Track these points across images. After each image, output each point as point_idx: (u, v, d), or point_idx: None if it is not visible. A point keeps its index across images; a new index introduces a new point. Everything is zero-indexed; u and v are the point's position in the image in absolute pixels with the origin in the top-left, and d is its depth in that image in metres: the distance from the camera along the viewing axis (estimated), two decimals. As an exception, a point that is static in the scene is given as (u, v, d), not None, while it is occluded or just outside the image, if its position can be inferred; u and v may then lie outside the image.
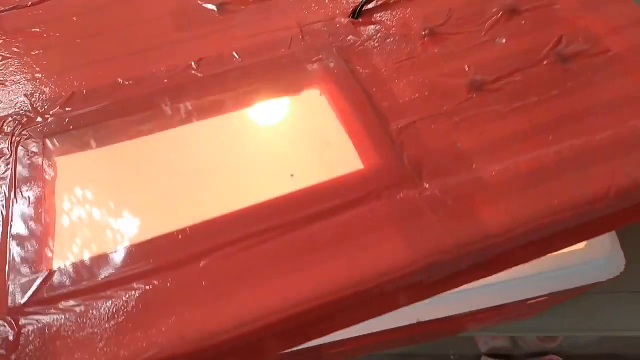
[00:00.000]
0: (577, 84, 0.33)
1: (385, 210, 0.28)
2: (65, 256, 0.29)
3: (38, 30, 0.42)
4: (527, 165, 0.29)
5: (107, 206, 0.33)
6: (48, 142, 0.34)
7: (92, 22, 0.42)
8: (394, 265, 0.26)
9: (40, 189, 0.32)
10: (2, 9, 0.44)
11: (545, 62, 0.34)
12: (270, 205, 0.29)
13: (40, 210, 0.31)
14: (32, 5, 0.44)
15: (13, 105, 0.36)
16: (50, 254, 0.29)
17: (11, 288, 0.27)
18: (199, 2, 0.42)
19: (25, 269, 0.28)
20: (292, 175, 0.30)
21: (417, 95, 0.33)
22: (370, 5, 0.39)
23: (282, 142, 0.33)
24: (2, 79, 0.38)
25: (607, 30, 0.35)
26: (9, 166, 0.33)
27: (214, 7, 0.41)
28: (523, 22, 0.37)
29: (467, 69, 0.34)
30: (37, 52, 0.40)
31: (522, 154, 0.30)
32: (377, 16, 0.38)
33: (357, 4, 0.39)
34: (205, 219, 0.29)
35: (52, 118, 0.35)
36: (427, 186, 0.29)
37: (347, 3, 0.40)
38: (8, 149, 0.34)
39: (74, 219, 0.32)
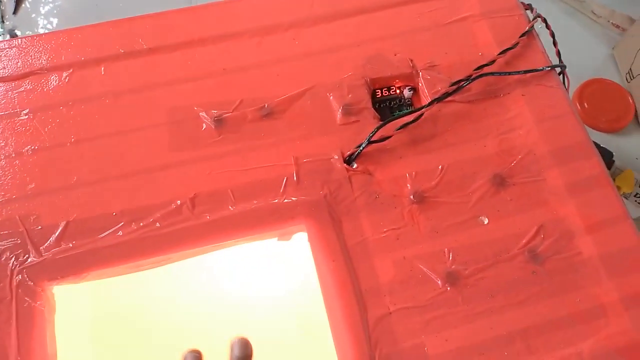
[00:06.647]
0: (541, 291, 0.36)
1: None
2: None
3: (25, 118, 0.41)
4: (479, 382, 0.33)
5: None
6: (46, 283, 0.36)
7: (82, 118, 0.41)
8: None
9: (41, 335, 0.35)
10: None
11: (517, 259, 0.36)
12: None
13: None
14: (13, 80, 0.42)
15: (8, 229, 0.37)
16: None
17: None
18: (195, 109, 0.41)
19: None
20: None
21: (396, 277, 0.36)
22: (365, 149, 0.39)
23: (268, 323, 0.36)
24: (-7, 190, 0.38)
25: (585, 226, 0.37)
26: (10, 311, 0.35)
27: (211, 122, 0.40)
28: (509, 199, 0.38)
29: (446, 254, 0.37)
30: (27, 150, 0.40)
31: (478, 369, 0.34)
32: (370, 166, 0.39)
33: (353, 145, 0.40)
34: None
35: (49, 255, 0.36)
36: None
37: (340, 139, 0.40)
38: (8, 290, 0.35)
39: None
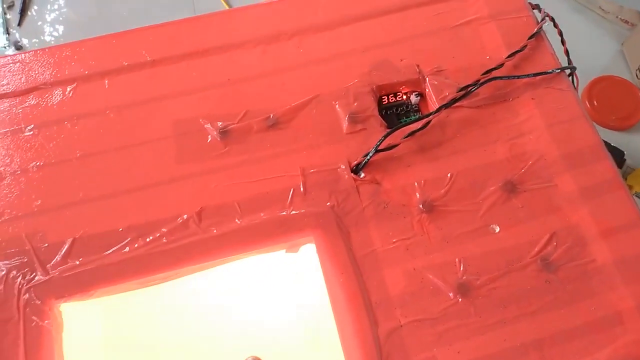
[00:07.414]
0: (555, 300, 0.35)
1: None
2: None
3: (30, 134, 0.41)
4: (493, 395, 0.33)
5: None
6: (54, 301, 0.36)
7: (87, 132, 0.40)
8: None
9: (49, 354, 0.35)
10: (-11, 93, 0.42)
11: (530, 268, 0.36)
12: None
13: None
14: (17, 95, 0.42)
15: (15, 247, 0.37)
16: None
17: None
18: (200, 121, 0.40)
19: None
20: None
21: (407, 289, 0.35)
22: (373, 158, 0.39)
23: (277, 336, 0.36)
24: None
25: (598, 232, 0.37)
26: (18, 331, 0.35)
27: (217, 134, 0.40)
28: (520, 206, 0.37)
29: (457, 264, 0.36)
30: (33, 167, 0.39)
31: (492, 381, 0.33)
32: (378, 175, 0.39)
33: (360, 154, 0.39)
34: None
35: (56, 273, 0.36)
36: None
37: (347, 148, 0.39)
38: (15, 310, 0.35)
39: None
